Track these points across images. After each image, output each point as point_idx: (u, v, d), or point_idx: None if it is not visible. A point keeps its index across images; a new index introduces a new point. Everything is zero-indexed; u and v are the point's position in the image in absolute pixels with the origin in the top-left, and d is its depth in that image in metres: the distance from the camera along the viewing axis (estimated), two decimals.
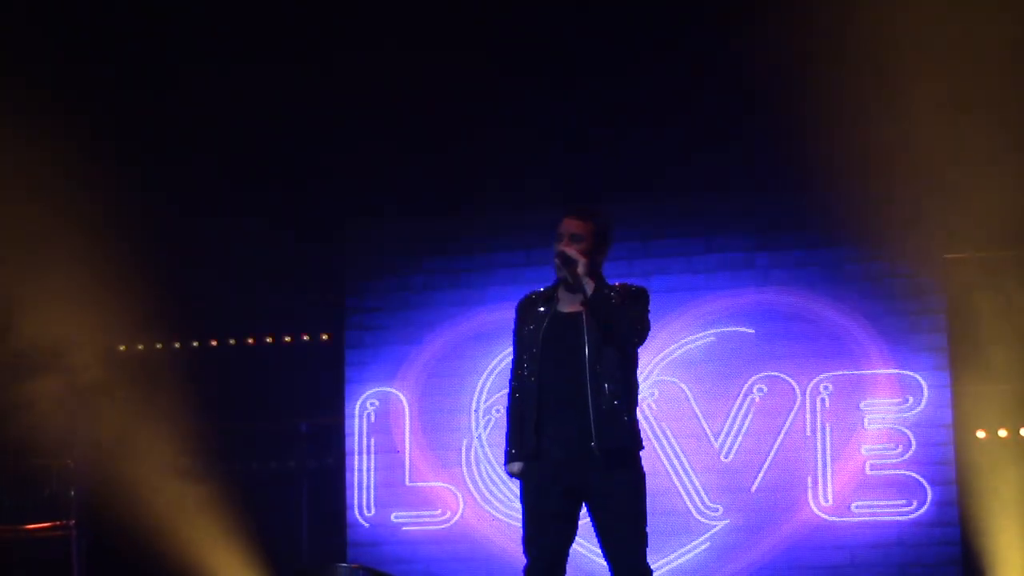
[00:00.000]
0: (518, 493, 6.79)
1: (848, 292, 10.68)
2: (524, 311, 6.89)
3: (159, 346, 11.96)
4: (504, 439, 6.91)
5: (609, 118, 10.72)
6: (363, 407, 11.26)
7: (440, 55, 10.29)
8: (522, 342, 6.82)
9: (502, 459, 10.39)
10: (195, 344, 11.95)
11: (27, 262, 10.22)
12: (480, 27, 10.24)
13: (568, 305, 6.79)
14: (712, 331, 10.86)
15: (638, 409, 6.79)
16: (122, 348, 11.86)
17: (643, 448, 6.74)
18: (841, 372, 10.64)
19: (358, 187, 11.17)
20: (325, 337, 11.80)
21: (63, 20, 10.28)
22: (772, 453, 10.69)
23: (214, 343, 11.92)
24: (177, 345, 11.95)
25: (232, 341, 11.90)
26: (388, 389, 11.32)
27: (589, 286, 6.60)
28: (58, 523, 11.11)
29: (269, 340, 11.91)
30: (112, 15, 10.44)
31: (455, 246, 11.34)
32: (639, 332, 6.68)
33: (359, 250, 11.52)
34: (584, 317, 6.68)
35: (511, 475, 6.81)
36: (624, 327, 6.61)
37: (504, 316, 10.41)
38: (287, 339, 11.90)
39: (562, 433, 6.61)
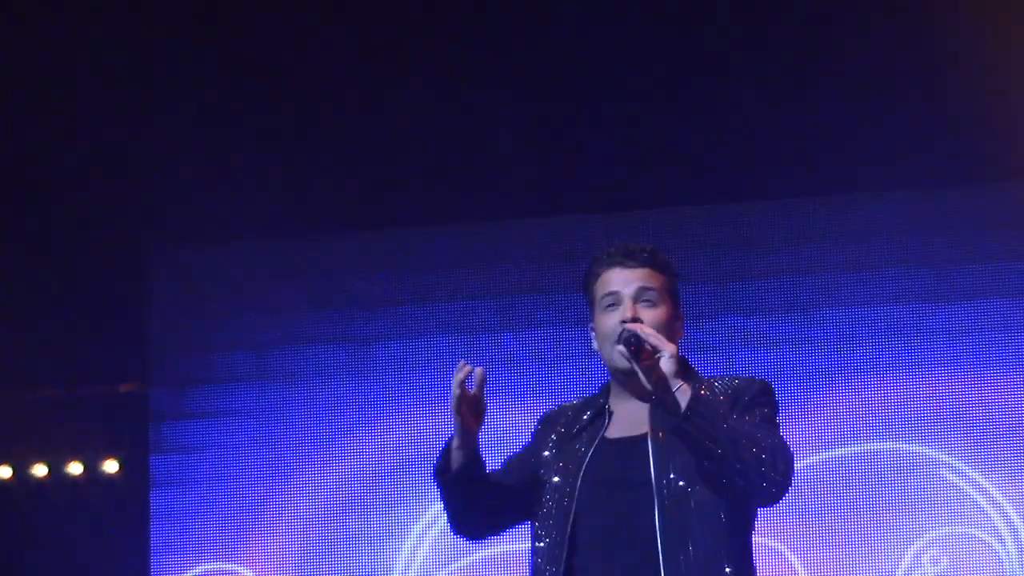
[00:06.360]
0: None
1: None
2: (546, 430, 4.37)
3: None
4: None
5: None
6: None
7: None
8: (537, 485, 4.27)
9: None
10: None
11: None
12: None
13: (624, 427, 4.25)
14: None
15: None
16: None
17: None
18: None
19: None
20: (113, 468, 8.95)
21: None
22: None
23: None
24: None
25: None
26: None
27: (684, 394, 4.00)
28: None
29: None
30: None
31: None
32: (775, 469, 4.00)
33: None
34: (650, 444, 4.18)
35: None
36: (750, 465, 3.97)
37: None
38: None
39: None
